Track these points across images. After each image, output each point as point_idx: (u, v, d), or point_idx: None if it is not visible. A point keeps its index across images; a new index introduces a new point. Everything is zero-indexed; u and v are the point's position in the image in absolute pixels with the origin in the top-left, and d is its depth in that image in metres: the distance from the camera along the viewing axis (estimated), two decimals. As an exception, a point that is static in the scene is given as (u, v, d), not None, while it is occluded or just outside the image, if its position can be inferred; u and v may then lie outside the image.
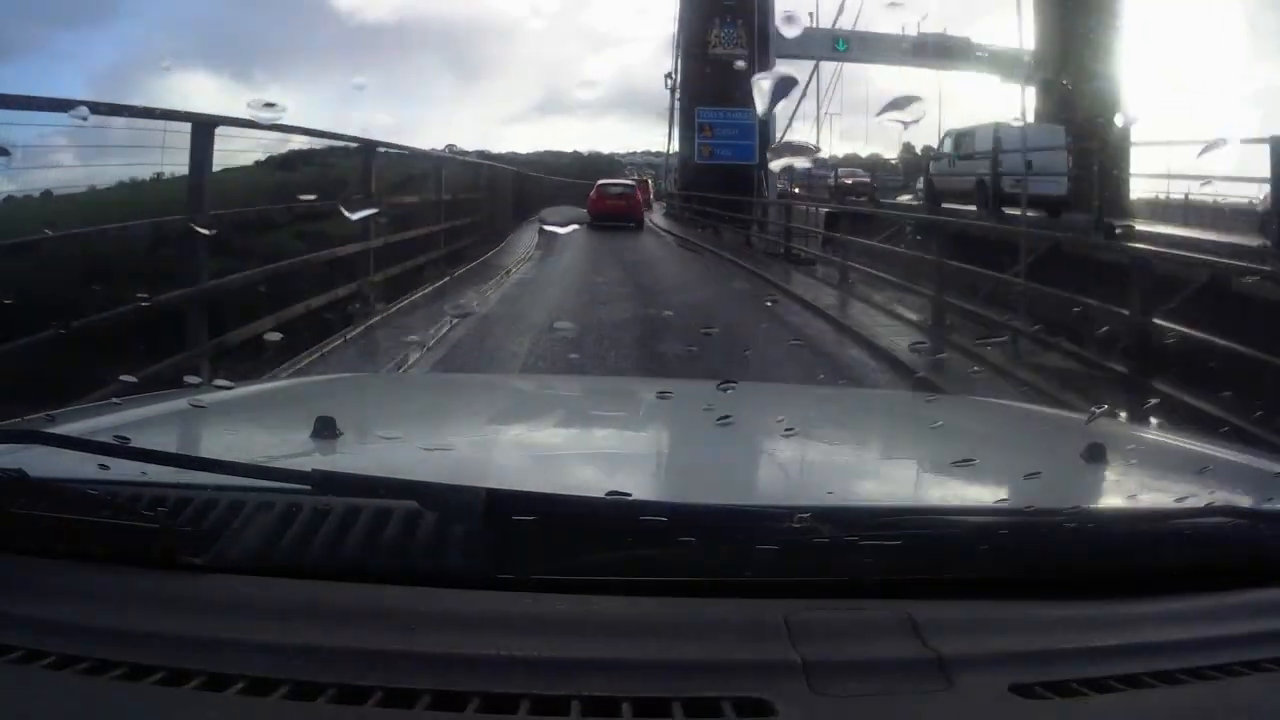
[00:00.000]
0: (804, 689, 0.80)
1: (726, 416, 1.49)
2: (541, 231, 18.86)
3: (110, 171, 5.90)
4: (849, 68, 29.10)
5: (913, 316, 9.62)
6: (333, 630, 0.85)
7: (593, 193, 26.83)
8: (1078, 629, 0.91)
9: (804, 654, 0.84)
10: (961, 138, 18.33)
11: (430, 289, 10.68)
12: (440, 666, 0.81)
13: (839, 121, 29.22)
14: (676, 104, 33.53)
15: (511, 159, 33.91)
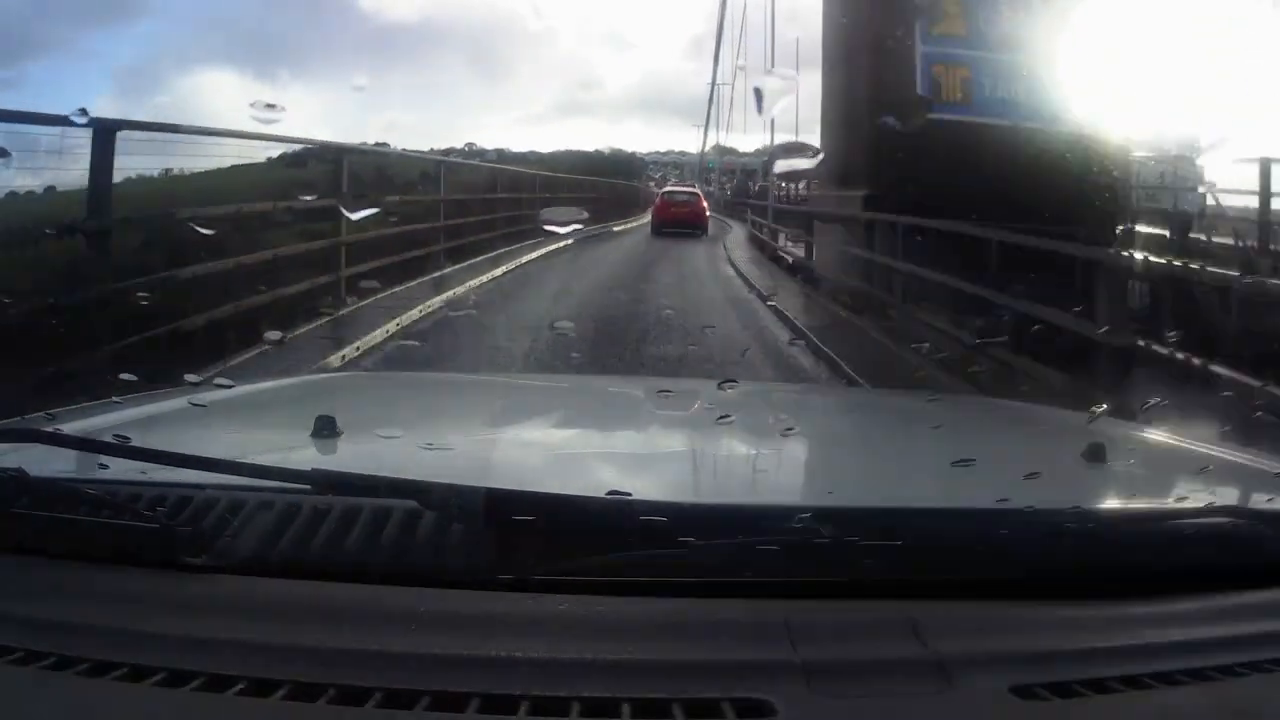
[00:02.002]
0: (804, 689, 0.80)
1: (726, 416, 1.49)
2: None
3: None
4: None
5: None
6: (333, 630, 0.85)
7: (657, 200, 26.47)
8: (1078, 630, 0.91)
9: (804, 654, 0.84)
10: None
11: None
12: (440, 667, 0.81)
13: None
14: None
15: (531, 158, 30.95)
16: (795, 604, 0.89)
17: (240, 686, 0.78)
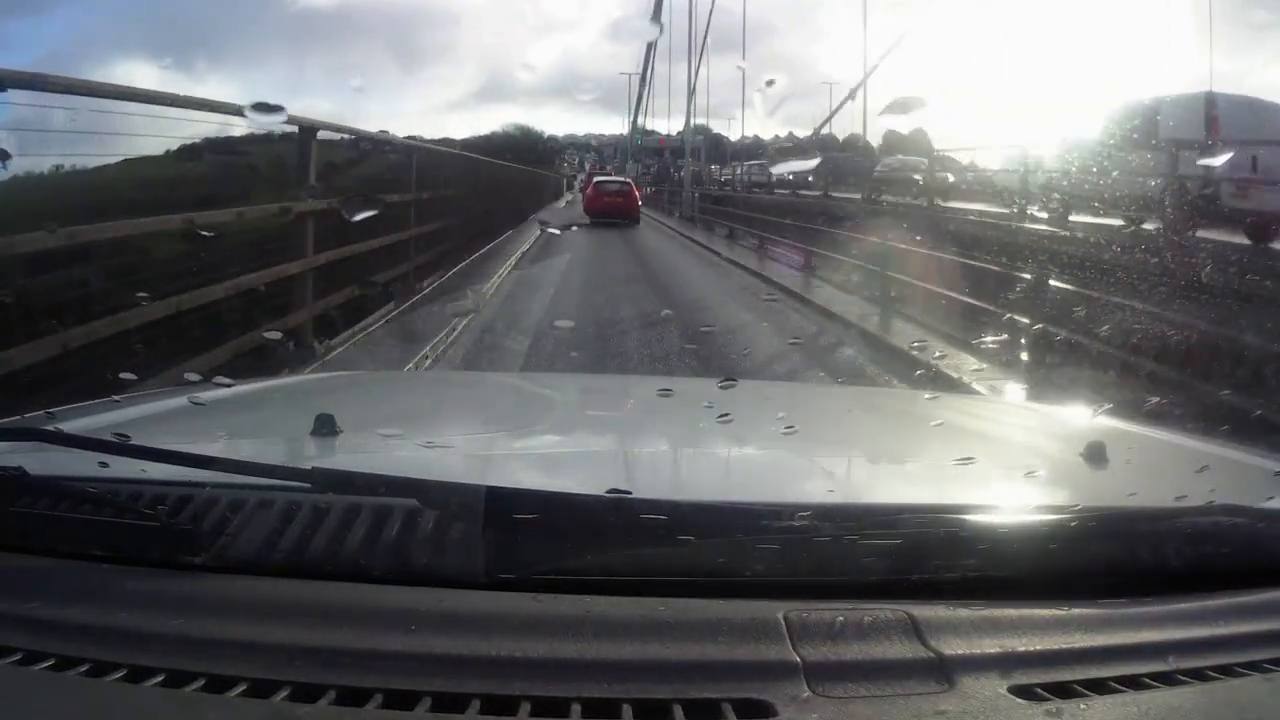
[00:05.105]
0: (804, 689, 0.80)
1: (727, 415, 1.49)
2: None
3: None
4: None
5: None
6: (333, 630, 0.85)
7: (590, 190, 26.38)
8: (1078, 629, 0.91)
9: (804, 654, 0.83)
10: (1130, 118, 10.75)
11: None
12: (440, 667, 0.81)
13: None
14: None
15: (446, 144, 27.50)
16: (795, 603, 0.89)
17: (241, 687, 0.78)
